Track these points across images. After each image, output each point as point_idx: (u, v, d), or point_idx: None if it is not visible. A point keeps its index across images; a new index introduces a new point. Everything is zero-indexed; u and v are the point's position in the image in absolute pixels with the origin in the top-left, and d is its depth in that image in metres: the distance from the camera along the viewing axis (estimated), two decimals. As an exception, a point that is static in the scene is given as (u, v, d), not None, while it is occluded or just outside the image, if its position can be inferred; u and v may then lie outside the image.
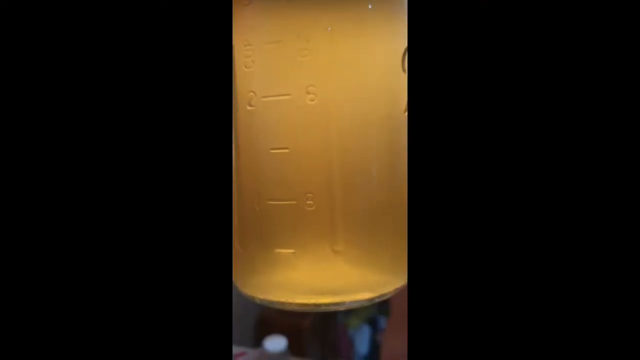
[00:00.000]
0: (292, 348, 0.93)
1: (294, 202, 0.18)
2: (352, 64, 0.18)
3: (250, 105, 0.18)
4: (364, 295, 0.19)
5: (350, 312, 1.62)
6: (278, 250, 0.18)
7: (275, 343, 0.91)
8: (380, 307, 1.56)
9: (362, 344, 1.53)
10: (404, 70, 0.18)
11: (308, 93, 0.17)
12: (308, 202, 0.17)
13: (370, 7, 0.18)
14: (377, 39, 0.18)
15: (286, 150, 0.18)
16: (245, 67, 0.18)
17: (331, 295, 0.18)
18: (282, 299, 0.19)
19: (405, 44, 0.18)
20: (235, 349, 0.90)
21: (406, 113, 0.19)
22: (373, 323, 1.57)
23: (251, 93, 0.18)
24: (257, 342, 0.96)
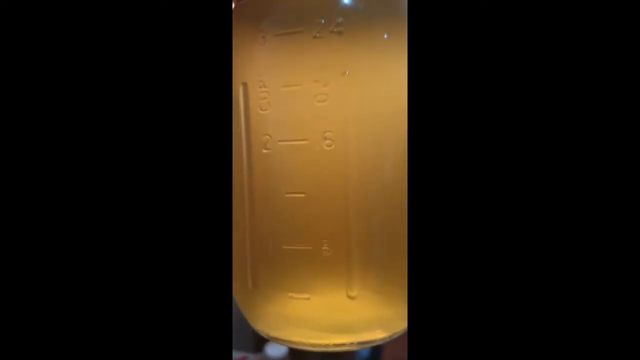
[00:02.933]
0: (293, 353, 0.94)
1: (309, 248, 0.18)
2: (370, 108, 0.18)
3: (266, 148, 0.18)
4: (378, 335, 0.19)
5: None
6: (292, 294, 0.18)
7: (277, 348, 0.92)
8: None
9: (364, 348, 1.55)
10: None
11: (325, 139, 0.17)
12: (324, 247, 0.18)
13: (385, 37, 0.18)
14: (393, 78, 0.18)
15: (302, 195, 0.18)
16: (261, 109, 0.18)
17: (345, 334, 0.19)
18: (296, 339, 0.19)
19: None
20: (237, 354, 0.91)
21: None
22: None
23: (267, 136, 0.18)
24: (259, 347, 0.97)
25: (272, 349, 0.92)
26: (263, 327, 0.20)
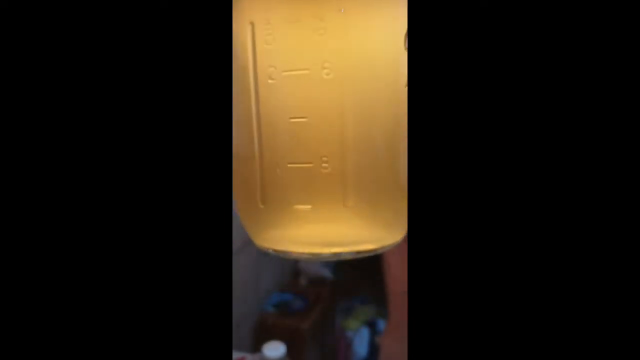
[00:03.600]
0: (291, 353, 0.95)
1: (311, 165, 0.21)
2: (364, 43, 0.21)
3: (271, 78, 0.21)
4: (368, 247, 0.22)
5: (349, 314, 1.66)
6: (297, 206, 0.21)
7: (274, 349, 0.93)
8: (379, 310, 1.61)
9: (361, 346, 1.56)
10: (405, 49, 0.21)
11: (324, 68, 0.20)
12: (323, 164, 0.21)
13: None
14: (384, 19, 0.21)
15: (304, 120, 0.21)
16: (266, 43, 0.21)
17: (340, 246, 0.22)
18: (298, 250, 0.22)
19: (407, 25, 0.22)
20: (234, 354, 0.92)
21: (406, 87, 0.22)
22: (372, 325, 1.61)
23: (272, 68, 0.21)
24: (256, 348, 0.97)
25: (269, 350, 0.93)
26: (269, 243, 0.23)
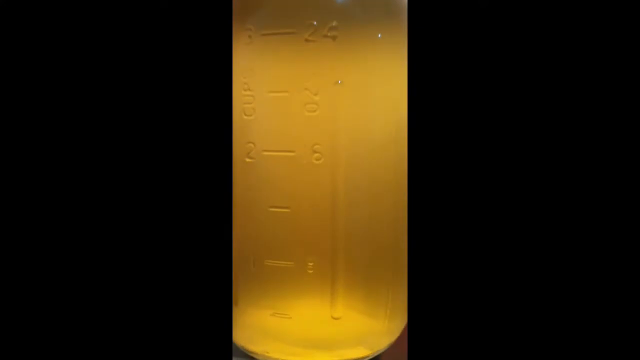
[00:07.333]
0: None
1: (292, 264, 0.18)
2: (364, 120, 0.18)
3: (249, 157, 0.18)
4: (361, 353, 0.20)
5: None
6: (274, 312, 0.19)
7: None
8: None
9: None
10: None
11: (314, 152, 0.17)
12: (309, 264, 0.18)
13: (380, 36, 0.18)
14: (390, 89, 0.18)
15: (287, 210, 0.18)
16: (245, 114, 0.18)
17: (327, 352, 0.20)
18: (276, 355, 0.20)
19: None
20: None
21: (406, 172, 0.19)
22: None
23: (250, 144, 0.18)
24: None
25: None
26: (242, 341, 0.20)
